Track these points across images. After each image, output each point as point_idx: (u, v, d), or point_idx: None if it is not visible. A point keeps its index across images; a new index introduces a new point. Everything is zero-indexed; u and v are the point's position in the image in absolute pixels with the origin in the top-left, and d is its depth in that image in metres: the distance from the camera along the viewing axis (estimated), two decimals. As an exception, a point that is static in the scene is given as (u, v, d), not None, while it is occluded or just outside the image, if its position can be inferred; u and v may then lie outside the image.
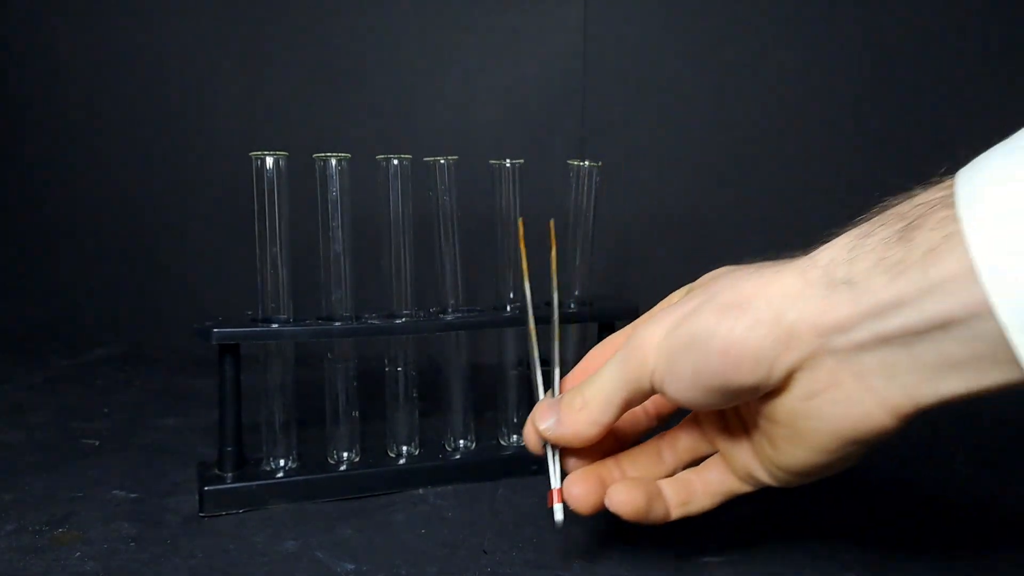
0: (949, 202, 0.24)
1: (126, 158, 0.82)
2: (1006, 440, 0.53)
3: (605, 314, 0.50)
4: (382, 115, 0.77)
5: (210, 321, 0.42)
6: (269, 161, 0.42)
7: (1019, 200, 0.22)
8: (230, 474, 0.43)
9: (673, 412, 0.38)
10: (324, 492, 0.43)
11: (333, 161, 0.43)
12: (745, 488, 0.33)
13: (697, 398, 0.30)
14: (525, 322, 0.41)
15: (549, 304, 0.50)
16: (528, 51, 0.76)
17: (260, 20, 0.78)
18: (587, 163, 0.49)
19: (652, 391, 0.32)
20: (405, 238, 0.45)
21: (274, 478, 0.43)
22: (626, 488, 0.32)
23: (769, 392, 0.29)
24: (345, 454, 0.45)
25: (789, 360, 0.28)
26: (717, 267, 0.35)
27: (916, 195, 0.26)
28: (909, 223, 0.25)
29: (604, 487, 0.33)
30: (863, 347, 0.26)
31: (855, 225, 0.28)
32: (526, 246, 0.42)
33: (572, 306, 0.50)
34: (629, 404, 0.33)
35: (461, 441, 0.48)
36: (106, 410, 0.60)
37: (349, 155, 0.43)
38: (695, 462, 0.35)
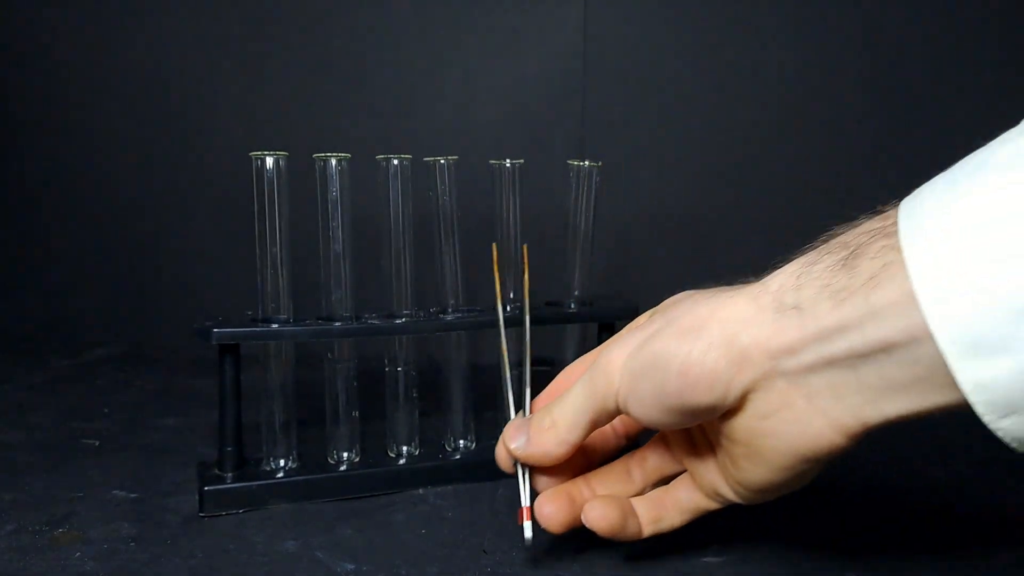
0: (891, 231, 0.26)
1: (126, 158, 0.82)
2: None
3: (605, 314, 0.50)
4: (382, 115, 0.77)
5: (210, 321, 0.42)
6: (269, 161, 0.42)
7: (955, 233, 0.24)
8: (230, 474, 0.43)
9: (641, 431, 0.39)
10: (324, 492, 0.43)
11: (333, 161, 0.43)
12: (713, 505, 0.35)
13: (659, 418, 0.31)
14: (523, 323, 0.41)
15: (550, 304, 0.50)
16: (528, 51, 0.76)
17: (260, 20, 0.78)
18: (587, 163, 0.49)
19: (618, 411, 0.33)
20: (405, 238, 0.45)
21: (274, 478, 0.43)
22: (602, 505, 0.34)
23: (727, 412, 0.30)
24: (345, 454, 0.45)
25: (743, 381, 0.29)
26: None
27: (860, 224, 0.28)
28: (852, 251, 0.27)
29: (574, 506, 0.35)
30: (811, 369, 0.28)
31: (803, 253, 0.29)
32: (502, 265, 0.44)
33: (572, 306, 0.50)
34: (596, 424, 0.34)
35: (461, 441, 0.48)
36: (106, 410, 0.60)
37: (349, 155, 0.43)
38: (663, 480, 0.37)
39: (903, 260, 0.25)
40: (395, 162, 0.44)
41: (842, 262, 0.27)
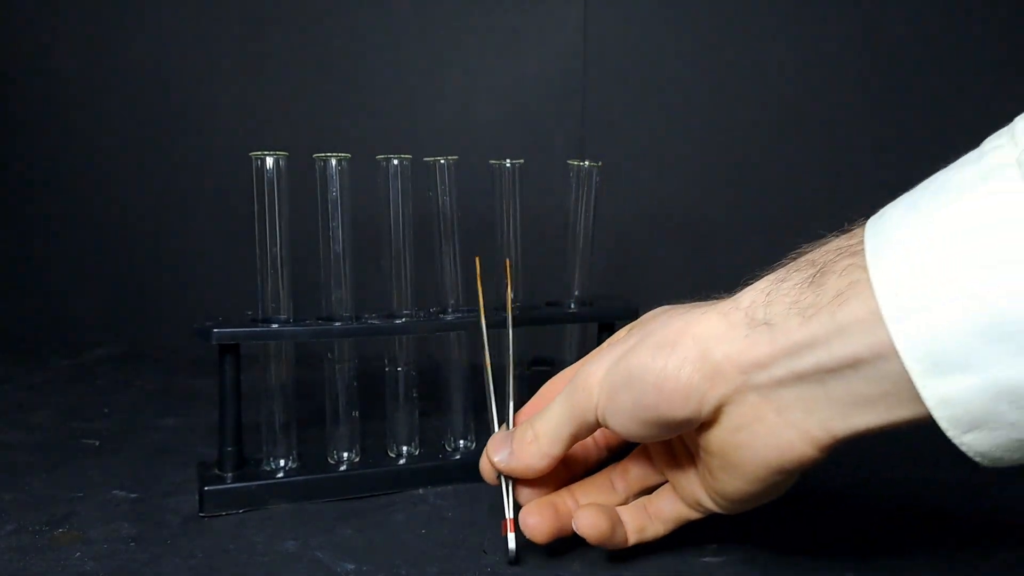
0: (857, 250, 0.27)
1: (126, 158, 0.82)
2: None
3: (605, 314, 0.50)
4: (382, 115, 0.77)
5: (210, 321, 0.42)
6: (269, 161, 0.42)
7: (918, 253, 0.24)
8: (230, 474, 0.43)
9: (623, 444, 0.39)
10: (324, 492, 0.43)
11: (333, 161, 0.43)
12: (694, 515, 0.35)
13: (637, 430, 0.32)
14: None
15: (550, 304, 0.50)
16: (528, 51, 0.76)
17: (260, 20, 0.78)
18: (587, 163, 0.49)
19: (597, 424, 0.34)
20: (405, 238, 0.45)
21: (274, 478, 0.43)
22: (592, 513, 0.34)
23: (703, 425, 0.31)
24: (345, 454, 0.45)
25: (716, 394, 0.30)
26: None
27: (828, 242, 0.29)
28: (819, 269, 0.28)
29: (559, 516, 0.35)
30: (782, 383, 0.28)
31: (773, 270, 0.30)
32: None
33: (572, 306, 0.50)
34: (577, 437, 0.35)
35: (461, 441, 0.48)
36: (106, 410, 0.60)
37: (349, 155, 0.43)
38: (645, 491, 0.38)
39: (868, 279, 0.25)
40: (395, 162, 0.44)
41: (810, 279, 0.28)
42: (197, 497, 0.42)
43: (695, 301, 0.33)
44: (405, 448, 0.46)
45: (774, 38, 0.74)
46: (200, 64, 0.79)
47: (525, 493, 0.37)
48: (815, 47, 0.74)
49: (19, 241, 0.85)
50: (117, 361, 0.75)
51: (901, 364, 0.25)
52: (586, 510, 0.34)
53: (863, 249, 0.26)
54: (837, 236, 0.29)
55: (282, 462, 0.44)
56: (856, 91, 0.74)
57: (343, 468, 0.44)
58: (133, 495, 0.44)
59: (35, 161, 0.84)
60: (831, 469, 0.47)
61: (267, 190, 0.42)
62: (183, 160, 0.81)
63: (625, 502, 0.37)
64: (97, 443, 0.52)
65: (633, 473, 0.38)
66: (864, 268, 0.26)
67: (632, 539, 0.36)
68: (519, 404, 0.41)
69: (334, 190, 0.43)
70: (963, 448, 0.25)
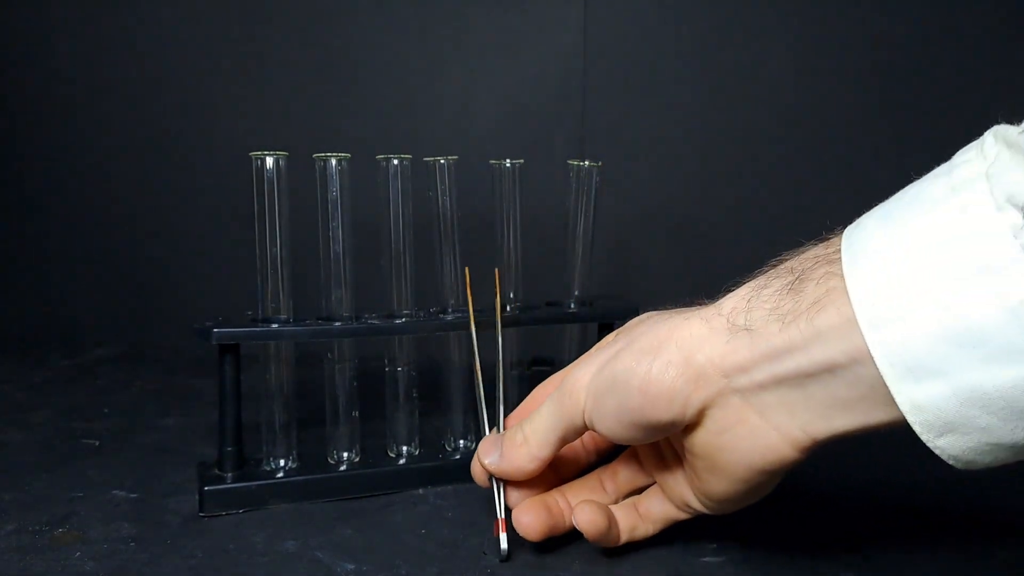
0: (834, 258, 0.28)
1: (126, 158, 0.82)
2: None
3: (605, 314, 0.50)
4: (382, 115, 0.77)
5: (210, 321, 0.42)
6: (269, 161, 0.42)
7: (891, 262, 0.25)
8: (230, 474, 0.43)
9: (611, 448, 0.40)
10: (324, 492, 0.43)
11: (333, 161, 0.43)
12: (682, 515, 0.36)
13: (623, 433, 0.33)
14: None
15: (550, 304, 0.50)
16: (528, 51, 0.76)
17: (260, 20, 0.78)
18: (587, 163, 0.49)
19: (585, 428, 0.35)
20: (405, 238, 0.45)
21: (274, 478, 0.43)
22: (592, 508, 0.35)
23: (687, 428, 0.32)
24: (345, 454, 0.45)
25: (700, 398, 0.31)
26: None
27: (807, 250, 0.30)
28: (798, 277, 0.29)
29: (551, 515, 0.36)
30: (763, 387, 0.29)
31: (754, 277, 0.31)
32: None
33: (572, 306, 0.50)
34: (565, 440, 0.36)
35: (461, 441, 0.48)
36: (106, 410, 0.60)
37: (349, 155, 0.43)
38: (634, 492, 0.39)
39: (845, 287, 0.26)
40: (395, 162, 0.44)
41: (789, 286, 0.29)
42: (197, 497, 0.42)
43: (695, 300, 0.33)
44: (405, 448, 0.46)
45: (774, 38, 0.74)
46: (200, 64, 0.79)
47: (514, 495, 0.38)
48: (815, 47, 0.74)
49: (19, 241, 0.85)
50: (117, 361, 0.75)
51: (876, 369, 0.26)
52: (585, 506, 0.35)
53: (840, 258, 0.27)
54: (815, 244, 0.30)
55: (282, 462, 0.44)
56: (856, 91, 0.74)
57: (343, 468, 0.44)
58: (133, 495, 0.44)
59: (35, 161, 0.84)
60: (831, 469, 0.47)
61: (267, 190, 0.42)
62: (183, 160, 0.81)
63: (614, 503, 0.38)
64: (97, 443, 0.52)
65: (622, 475, 0.39)
66: (840, 276, 0.27)
67: (623, 538, 0.36)
68: (516, 405, 0.42)
69: (334, 190, 0.43)
70: (937, 451, 0.26)
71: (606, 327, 0.50)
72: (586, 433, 0.37)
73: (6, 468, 0.47)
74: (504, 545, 0.36)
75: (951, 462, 0.26)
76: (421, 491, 0.44)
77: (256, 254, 0.42)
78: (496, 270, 0.46)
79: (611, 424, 0.33)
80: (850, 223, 0.29)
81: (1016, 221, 0.23)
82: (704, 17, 0.74)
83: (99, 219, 0.83)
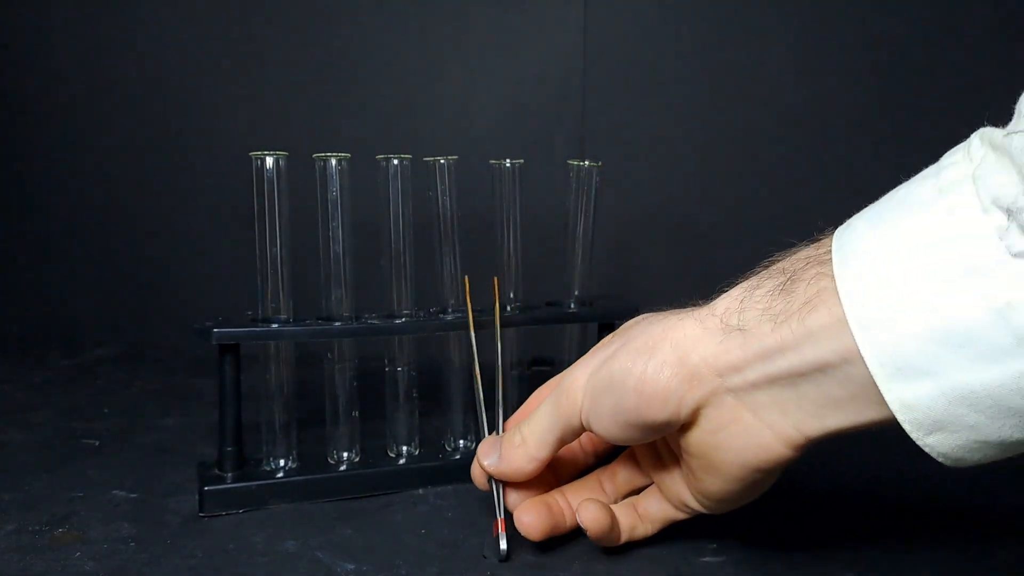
0: (825, 259, 0.28)
1: (126, 158, 0.82)
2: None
3: (605, 314, 0.50)
4: (382, 115, 0.77)
5: (210, 321, 0.42)
6: (269, 161, 0.42)
7: (881, 263, 0.26)
8: (230, 474, 0.43)
9: (609, 450, 0.40)
10: (324, 492, 0.43)
11: (333, 161, 0.43)
12: (680, 515, 0.37)
13: (619, 433, 0.33)
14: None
15: (550, 304, 0.50)
16: (528, 51, 0.76)
17: (260, 20, 0.78)
18: (587, 163, 0.49)
19: (582, 428, 0.35)
20: (405, 238, 0.45)
21: (274, 478, 0.43)
22: (595, 508, 0.35)
23: (683, 427, 0.32)
24: (345, 454, 0.45)
25: (694, 397, 0.31)
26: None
27: (798, 251, 0.30)
28: (789, 277, 0.29)
29: (552, 515, 0.36)
30: (756, 386, 0.30)
31: (746, 278, 0.31)
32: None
33: (572, 306, 0.50)
34: (563, 441, 0.36)
35: (461, 441, 0.48)
36: (106, 410, 0.60)
37: (349, 155, 0.43)
38: (633, 493, 0.39)
39: (835, 287, 0.27)
40: (395, 162, 0.44)
41: (781, 287, 0.29)
42: (197, 497, 0.42)
43: (693, 301, 0.34)
44: (405, 448, 0.46)
45: (774, 38, 0.74)
46: (200, 64, 0.79)
47: (512, 497, 0.38)
48: (815, 47, 0.74)
49: (19, 241, 0.85)
50: (117, 361, 0.75)
51: (866, 369, 0.26)
52: (589, 504, 0.35)
53: (830, 259, 0.28)
54: (807, 245, 0.30)
55: (282, 462, 0.44)
56: (856, 91, 0.74)
57: (343, 468, 0.44)
58: (133, 495, 0.44)
59: (35, 161, 0.84)
60: (831, 468, 0.47)
61: (267, 190, 0.42)
62: (183, 160, 0.80)
63: (613, 503, 0.38)
64: (97, 443, 0.52)
65: (621, 476, 0.39)
66: (831, 277, 0.27)
67: (623, 537, 0.36)
68: (517, 405, 0.42)
69: (334, 190, 0.43)
70: (927, 450, 0.26)
71: (606, 327, 0.50)
72: (584, 435, 0.37)
73: (6, 468, 0.47)
74: (504, 545, 0.36)
75: (941, 460, 0.26)
76: (421, 491, 0.44)
77: (256, 254, 0.42)
78: (495, 278, 0.46)
79: (608, 424, 0.33)
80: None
81: (1001, 223, 0.23)
82: (704, 17, 0.74)
83: (99, 219, 0.83)
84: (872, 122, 0.74)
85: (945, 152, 0.28)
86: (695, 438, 0.32)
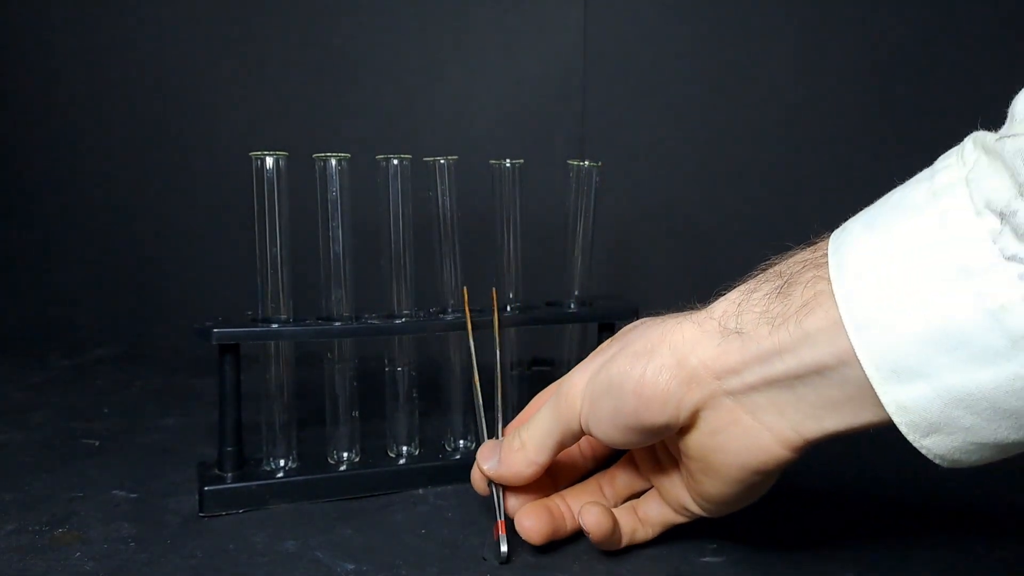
0: (821, 262, 0.28)
1: (126, 158, 0.82)
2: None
3: (605, 314, 0.50)
4: (382, 115, 0.77)
5: (210, 321, 0.42)
6: (269, 161, 0.42)
7: (875, 266, 0.26)
8: (230, 474, 0.43)
9: (609, 454, 0.41)
10: (324, 492, 0.43)
11: (333, 161, 0.43)
12: (680, 519, 0.37)
13: (619, 436, 0.33)
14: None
15: (550, 304, 0.50)
16: (528, 51, 0.76)
17: (260, 20, 0.78)
18: (587, 163, 0.49)
19: (582, 432, 0.35)
20: (405, 238, 0.45)
21: (274, 478, 0.43)
22: (598, 510, 0.35)
23: (682, 430, 0.32)
24: (345, 454, 0.45)
25: (693, 399, 0.31)
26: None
27: (795, 254, 0.30)
28: (786, 280, 0.29)
29: (553, 519, 0.36)
30: (754, 388, 0.30)
31: (744, 281, 0.32)
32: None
33: (572, 306, 0.50)
34: (563, 445, 0.36)
35: (461, 441, 0.48)
36: (106, 410, 0.60)
37: (349, 155, 0.43)
38: (632, 497, 0.39)
39: (831, 290, 0.27)
40: (395, 162, 0.44)
41: (778, 290, 0.29)
42: (197, 497, 0.42)
43: (690, 304, 0.34)
44: (405, 448, 0.46)
45: (774, 38, 0.74)
46: (200, 64, 0.79)
47: (512, 501, 0.38)
48: (815, 47, 0.74)
49: (19, 241, 0.85)
50: (117, 361, 0.75)
51: (863, 371, 0.26)
52: (592, 507, 0.35)
53: (826, 262, 0.28)
54: (802, 248, 0.30)
55: (282, 462, 0.44)
56: (856, 91, 0.74)
57: (343, 468, 0.44)
58: (133, 495, 0.44)
59: (35, 161, 0.84)
60: (831, 469, 0.47)
61: (267, 190, 0.42)
62: (183, 160, 0.81)
63: (613, 507, 0.38)
64: (97, 443, 0.52)
65: (620, 480, 0.39)
66: (827, 280, 0.27)
67: (624, 541, 0.36)
68: (517, 406, 0.42)
69: (334, 190, 0.43)
70: (923, 451, 0.26)
71: (606, 327, 0.50)
72: (583, 439, 0.37)
73: (6, 468, 0.47)
74: (504, 547, 0.36)
75: (937, 461, 0.27)
76: (421, 491, 0.44)
77: (256, 254, 0.42)
78: (493, 290, 0.46)
79: (607, 428, 0.33)
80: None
81: (994, 226, 0.24)
82: (704, 17, 0.74)
83: (100, 219, 0.83)
84: (872, 122, 0.74)
85: (944, 152, 0.28)
86: (694, 441, 0.32)
